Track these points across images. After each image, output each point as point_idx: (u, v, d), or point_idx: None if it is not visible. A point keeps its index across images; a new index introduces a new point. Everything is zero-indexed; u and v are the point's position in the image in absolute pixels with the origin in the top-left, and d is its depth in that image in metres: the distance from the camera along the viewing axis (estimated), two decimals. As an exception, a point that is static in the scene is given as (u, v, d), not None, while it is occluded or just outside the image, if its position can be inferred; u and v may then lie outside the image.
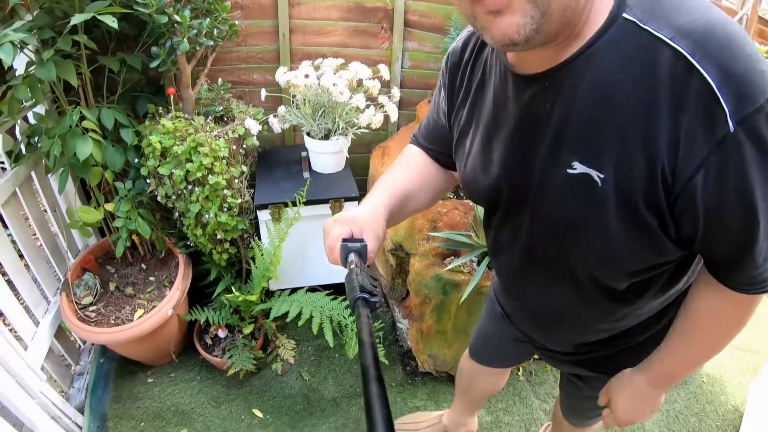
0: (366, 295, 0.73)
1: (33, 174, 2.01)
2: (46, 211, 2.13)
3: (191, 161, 1.83)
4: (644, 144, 0.64)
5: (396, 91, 2.14)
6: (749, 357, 2.46)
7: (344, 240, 0.85)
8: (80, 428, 1.98)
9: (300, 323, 1.94)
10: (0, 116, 1.71)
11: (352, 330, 1.94)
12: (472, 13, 0.65)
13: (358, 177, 2.49)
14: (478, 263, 1.89)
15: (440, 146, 1.07)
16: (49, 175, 2.00)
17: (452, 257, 2.01)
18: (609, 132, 0.67)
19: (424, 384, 2.21)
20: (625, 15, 0.64)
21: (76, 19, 1.46)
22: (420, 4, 2.25)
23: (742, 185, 0.63)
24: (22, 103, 1.73)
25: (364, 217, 0.91)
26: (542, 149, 0.77)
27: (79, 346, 2.25)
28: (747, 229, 0.68)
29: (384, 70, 2.02)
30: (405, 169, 1.10)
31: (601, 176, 0.69)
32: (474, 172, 0.94)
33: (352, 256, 0.83)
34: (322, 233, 0.93)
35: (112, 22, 1.50)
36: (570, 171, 0.73)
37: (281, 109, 2.08)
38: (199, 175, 1.82)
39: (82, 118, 1.71)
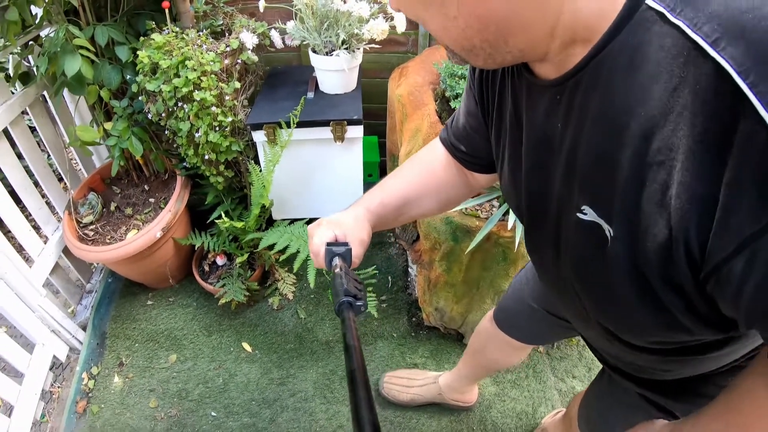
0: (351, 299, 0.73)
1: (46, 95, 2.02)
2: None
3: (179, 76, 1.71)
4: (663, 200, 0.46)
5: None
6: None
7: (329, 244, 0.86)
8: (81, 343, 2.02)
9: (282, 257, 1.79)
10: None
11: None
12: None
13: (381, 104, 2.25)
14: (500, 206, 1.60)
15: (467, 147, 0.94)
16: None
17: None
18: (620, 176, 0.50)
19: (429, 340, 1.98)
20: (648, 1, 0.44)
21: None
22: None
23: None
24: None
25: (348, 222, 0.91)
26: (557, 178, 0.63)
27: (92, 265, 2.29)
28: None
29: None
30: (415, 171, 1.03)
31: (611, 233, 0.54)
32: (505, 180, 0.82)
33: (336, 260, 0.84)
34: (307, 236, 0.96)
35: None
36: (581, 216, 0.58)
37: (290, 24, 1.87)
38: (185, 90, 1.70)
39: (74, 36, 1.64)
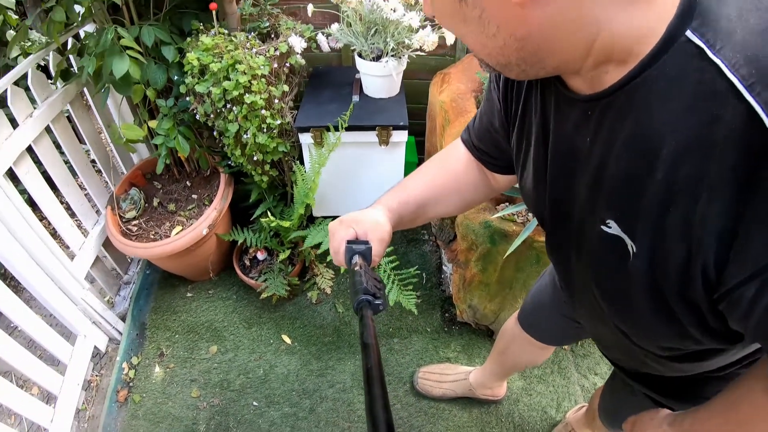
0: (370, 298, 0.74)
1: (86, 91, 2.02)
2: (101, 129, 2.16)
3: (229, 79, 1.74)
4: (687, 226, 0.50)
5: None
6: None
7: (349, 242, 0.86)
8: (120, 334, 2.07)
9: (328, 258, 1.86)
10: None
11: (385, 273, 1.84)
12: None
13: (418, 104, 2.30)
14: None
15: (489, 147, 0.95)
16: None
17: (506, 203, 1.82)
18: (647, 197, 0.53)
19: (461, 335, 2.08)
20: (688, 34, 0.46)
21: None
22: None
23: None
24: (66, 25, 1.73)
25: (369, 220, 0.91)
26: (582, 188, 0.64)
27: (129, 256, 2.33)
28: None
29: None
30: (435, 172, 1.04)
31: (635, 250, 0.57)
32: (527, 184, 0.83)
33: (356, 258, 0.84)
34: (329, 234, 0.94)
35: None
36: (604, 228, 0.61)
37: (334, 26, 1.90)
38: (236, 93, 1.74)
39: (121, 36, 1.65)
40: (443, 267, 2.21)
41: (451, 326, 2.11)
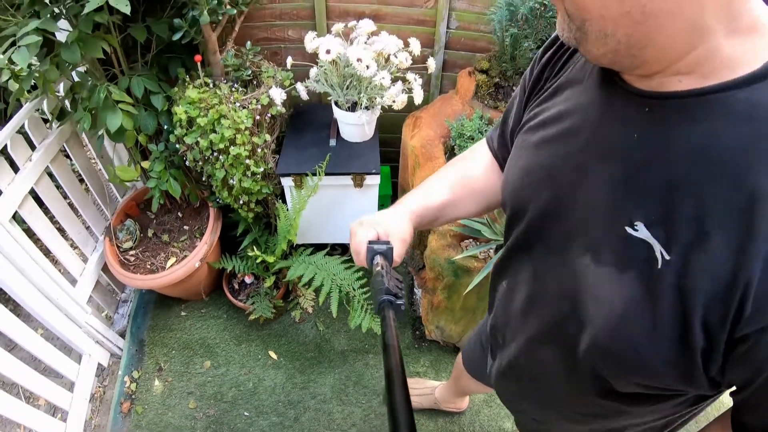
0: (392, 298, 0.73)
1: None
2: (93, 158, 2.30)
3: (215, 131, 1.88)
4: (739, 246, 0.50)
5: (432, 63, 2.01)
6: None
7: (370, 242, 0.87)
8: (121, 350, 2.29)
9: (310, 289, 2.07)
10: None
11: (358, 302, 2.05)
12: None
13: (393, 134, 2.44)
14: (496, 251, 1.89)
15: (509, 152, 0.91)
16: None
17: (471, 239, 2.01)
18: (698, 210, 0.53)
19: (429, 351, 2.33)
20: None
21: (90, 5, 1.47)
22: (473, -40, 2.03)
23: None
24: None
25: (390, 221, 0.92)
26: (606, 185, 0.63)
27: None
28: None
29: (415, 45, 1.89)
30: (456, 175, 1.04)
31: (667, 257, 0.55)
32: (512, 170, 0.83)
33: (378, 258, 0.84)
34: (349, 234, 0.94)
35: (125, 6, 1.50)
36: (629, 230, 0.59)
37: (312, 72, 2.03)
38: (221, 146, 1.88)
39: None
40: (414, 290, 2.43)
41: (421, 343, 2.35)
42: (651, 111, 0.57)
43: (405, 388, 0.54)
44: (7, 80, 1.64)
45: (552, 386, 0.86)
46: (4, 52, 1.45)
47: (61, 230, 2.11)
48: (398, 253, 0.88)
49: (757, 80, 0.50)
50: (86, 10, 1.47)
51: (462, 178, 1.02)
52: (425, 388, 2.14)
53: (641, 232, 0.57)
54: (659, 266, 0.55)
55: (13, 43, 1.47)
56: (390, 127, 2.41)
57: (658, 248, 0.55)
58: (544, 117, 0.76)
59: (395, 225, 0.91)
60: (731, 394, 0.65)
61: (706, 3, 0.48)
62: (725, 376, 0.57)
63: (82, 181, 2.30)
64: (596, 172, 0.63)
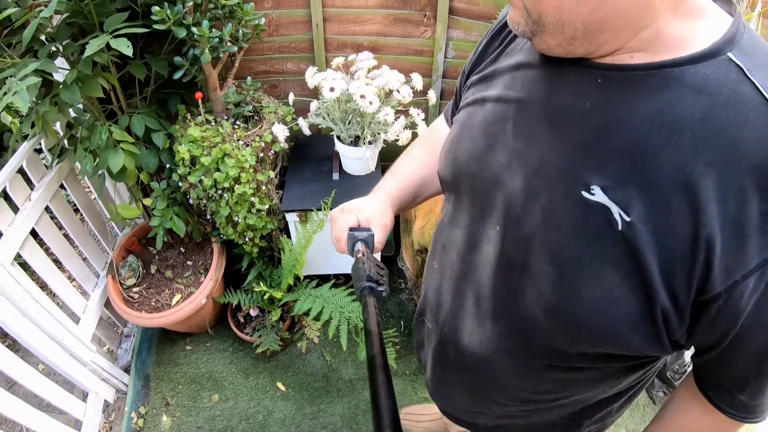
0: (373, 284, 0.74)
1: (78, 165, 2.12)
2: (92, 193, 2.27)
3: (219, 170, 1.88)
4: (696, 207, 0.53)
5: (432, 95, 2.03)
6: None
7: (351, 229, 0.88)
8: (126, 386, 2.27)
9: (319, 323, 2.08)
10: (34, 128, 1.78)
11: (367, 334, 2.06)
12: None
13: (391, 161, 2.46)
14: None
15: None
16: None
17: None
18: (657, 172, 0.55)
19: (436, 376, 2.35)
20: (730, 55, 0.54)
21: (91, 48, 1.45)
22: (468, -9, 2.04)
23: None
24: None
25: (371, 207, 0.93)
26: (555, 150, 0.64)
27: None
28: None
29: (417, 80, 1.90)
30: (424, 152, 1.05)
31: (627, 219, 0.56)
32: (455, 141, 0.82)
33: (359, 245, 0.85)
34: (331, 222, 0.95)
35: (126, 47, 1.48)
36: (585, 194, 0.60)
37: (313, 106, 2.02)
38: (226, 184, 1.87)
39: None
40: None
41: (423, 373, 2.36)
42: (603, 82, 0.59)
43: (387, 373, 0.55)
44: (8, 124, 1.62)
45: (494, 368, 0.83)
46: (4, 95, 1.43)
47: (61, 266, 2.09)
48: (379, 240, 0.89)
49: (707, 58, 0.54)
50: (87, 53, 1.44)
51: (430, 153, 1.02)
52: (434, 413, 2.16)
53: (598, 195, 0.58)
54: (619, 228, 0.57)
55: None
56: (389, 155, 2.40)
57: (616, 210, 0.57)
58: (489, 93, 0.77)
59: (376, 211, 0.92)
60: (693, 356, 0.69)
61: None
62: (691, 339, 0.60)
63: (81, 216, 2.28)
64: (547, 141, 0.65)
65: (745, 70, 0.53)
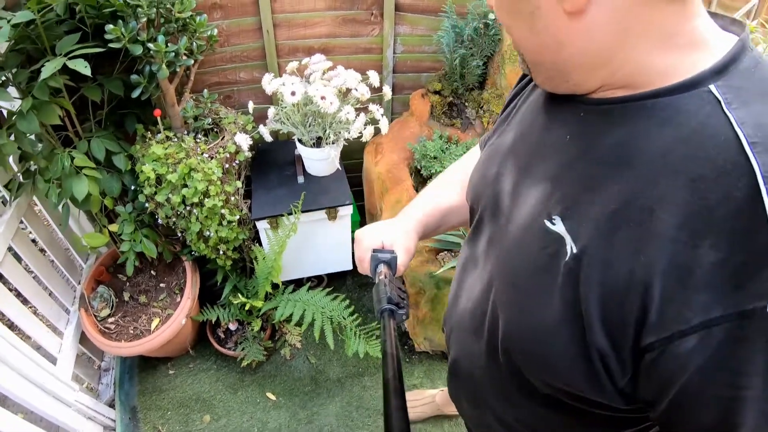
0: (393, 307, 0.74)
1: (35, 197, 2.06)
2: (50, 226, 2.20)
3: (186, 186, 1.87)
4: (639, 245, 0.50)
5: (388, 90, 2.09)
6: None
7: (374, 250, 0.87)
8: (113, 421, 2.21)
9: (303, 327, 2.10)
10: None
11: (351, 330, 2.09)
12: None
13: (349, 165, 2.50)
14: None
15: None
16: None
17: (446, 252, 2.11)
18: (608, 204, 0.54)
19: (421, 362, 2.41)
20: (711, 87, 0.50)
21: (47, 71, 1.43)
22: (414, -13, 2.13)
23: (739, 381, 0.46)
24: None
25: (396, 230, 0.93)
26: (538, 180, 0.66)
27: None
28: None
29: (374, 77, 1.96)
30: (455, 181, 1.04)
31: (574, 251, 0.56)
32: (474, 172, 0.85)
33: (381, 267, 0.85)
34: (353, 242, 0.94)
35: (84, 68, 1.46)
36: (547, 223, 0.60)
37: (270, 112, 2.05)
38: (195, 199, 1.87)
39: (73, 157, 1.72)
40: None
41: (412, 356, 2.42)
42: (584, 116, 0.61)
43: (402, 398, 0.55)
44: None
45: (483, 384, 0.84)
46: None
47: (29, 305, 2.01)
48: (402, 263, 0.90)
49: (684, 89, 0.51)
50: (43, 76, 1.43)
51: (462, 185, 1.00)
52: (425, 398, 2.21)
53: (558, 225, 0.59)
54: (567, 258, 0.57)
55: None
56: (348, 153, 2.47)
57: (569, 241, 0.57)
58: (510, 125, 0.81)
59: (401, 234, 0.93)
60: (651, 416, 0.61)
61: (628, 31, 0.51)
62: (638, 391, 0.56)
63: (43, 252, 2.20)
64: (535, 171, 0.67)
65: (722, 102, 0.49)
